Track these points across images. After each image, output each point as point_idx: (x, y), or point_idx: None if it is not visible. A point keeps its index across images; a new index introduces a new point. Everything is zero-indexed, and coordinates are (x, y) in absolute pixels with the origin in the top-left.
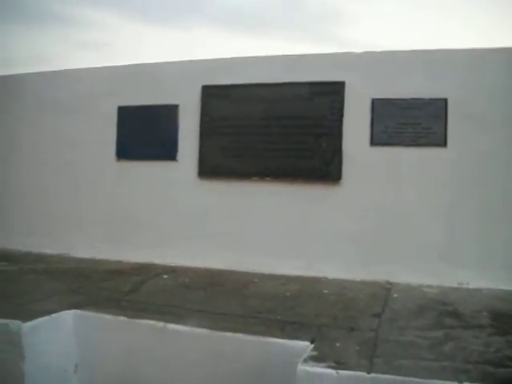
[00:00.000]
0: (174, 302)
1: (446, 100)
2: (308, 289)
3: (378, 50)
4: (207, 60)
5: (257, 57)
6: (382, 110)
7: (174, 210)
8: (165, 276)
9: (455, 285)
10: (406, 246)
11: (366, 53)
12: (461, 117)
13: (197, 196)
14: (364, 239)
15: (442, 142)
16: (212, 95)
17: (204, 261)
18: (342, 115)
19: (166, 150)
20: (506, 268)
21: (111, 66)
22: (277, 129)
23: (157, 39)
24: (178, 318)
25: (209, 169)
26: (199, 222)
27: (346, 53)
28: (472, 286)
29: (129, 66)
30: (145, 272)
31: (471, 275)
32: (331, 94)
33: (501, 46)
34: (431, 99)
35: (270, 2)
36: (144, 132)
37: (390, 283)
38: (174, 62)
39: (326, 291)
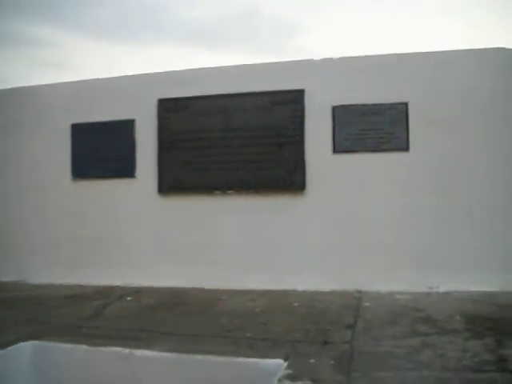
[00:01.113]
0: (139, 325)
1: (406, 104)
2: (277, 303)
3: (337, 56)
4: (162, 73)
5: (214, 67)
6: (343, 116)
7: (135, 228)
8: (128, 298)
9: (426, 289)
10: (375, 253)
11: (325, 60)
12: (422, 120)
13: (158, 213)
14: (332, 248)
15: (404, 147)
16: (169, 109)
17: (168, 279)
18: (303, 124)
19: (124, 167)
20: (475, 269)
21: (64, 83)
22: (238, 140)
23: (116, 56)
24: (144, 343)
25: (169, 184)
26: (162, 240)
27: (305, 60)
28: (442, 289)
29: (82, 81)
30: (107, 295)
31: (441, 279)
32: (291, 102)
33: (460, 48)
34: (392, 104)
35: (226, 17)
36: (100, 149)
37: (361, 292)
38: (129, 76)
39: (295, 304)
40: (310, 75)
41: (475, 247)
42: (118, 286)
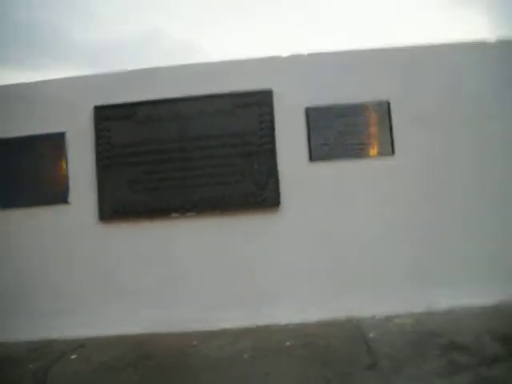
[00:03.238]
0: None
1: (388, 103)
2: (265, 344)
3: (306, 52)
4: (98, 75)
5: (163, 67)
6: (318, 119)
7: (71, 266)
8: (72, 356)
9: (424, 309)
10: (363, 273)
11: (293, 56)
12: (407, 120)
13: (100, 245)
14: (315, 272)
15: (389, 151)
16: (108, 117)
17: (119, 326)
18: (273, 129)
19: (54, 192)
20: (471, 282)
21: None
22: (196, 152)
23: None
24: None
25: (112, 209)
26: (107, 278)
27: (271, 58)
28: (442, 306)
29: None
30: (44, 354)
31: (438, 295)
32: (258, 104)
33: (440, 42)
34: (372, 103)
35: (125, 41)
36: (21, 171)
37: (354, 319)
38: (55, 80)
39: (287, 343)
40: (277, 74)
41: (471, 257)
42: (55, 340)
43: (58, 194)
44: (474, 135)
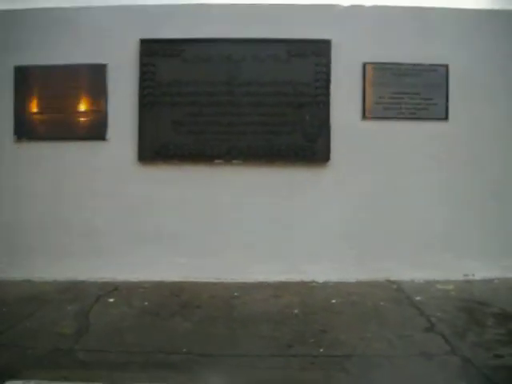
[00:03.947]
0: (159, 343)
1: (447, 66)
2: (310, 300)
3: (368, 4)
4: (148, 6)
5: (218, 4)
6: (374, 76)
7: (104, 205)
8: (110, 300)
9: (461, 277)
10: (404, 236)
11: (354, 7)
12: (463, 86)
13: (137, 187)
14: (357, 232)
15: (443, 115)
16: (156, 52)
17: (152, 272)
18: (328, 81)
19: (91, 127)
20: (504, 254)
21: (4, 10)
22: (246, 97)
23: None
24: (190, 374)
25: (153, 150)
26: (142, 221)
27: (331, 5)
28: (478, 277)
29: (31, 10)
30: (77, 295)
31: (474, 265)
32: (315, 54)
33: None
34: (431, 65)
35: None
36: (55, 101)
37: (394, 282)
38: (100, 8)
39: (333, 301)
40: (336, 24)
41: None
42: (83, 282)
43: (94, 130)
44: None
